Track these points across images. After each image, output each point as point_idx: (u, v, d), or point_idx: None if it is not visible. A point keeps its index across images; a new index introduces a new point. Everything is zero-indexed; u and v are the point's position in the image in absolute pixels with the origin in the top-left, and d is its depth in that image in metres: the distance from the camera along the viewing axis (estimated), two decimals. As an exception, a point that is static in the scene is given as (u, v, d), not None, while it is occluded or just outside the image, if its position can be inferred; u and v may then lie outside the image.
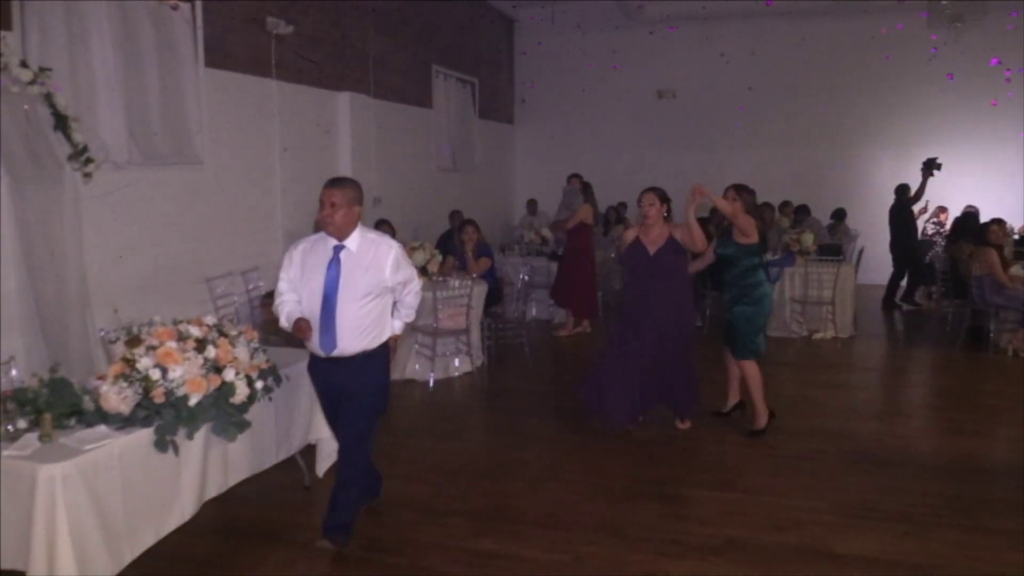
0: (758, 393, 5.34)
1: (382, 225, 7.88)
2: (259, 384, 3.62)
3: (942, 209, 11.26)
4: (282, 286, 3.74)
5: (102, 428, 3.15)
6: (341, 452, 3.78)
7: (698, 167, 12.07)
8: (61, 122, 4.79)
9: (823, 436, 5.34)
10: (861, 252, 9.92)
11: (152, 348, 3.31)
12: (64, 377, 3.32)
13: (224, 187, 6.98)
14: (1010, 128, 11.75)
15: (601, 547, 3.80)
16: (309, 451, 4.39)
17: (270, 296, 3.94)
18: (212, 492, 3.57)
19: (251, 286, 7.03)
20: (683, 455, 5.05)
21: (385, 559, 3.71)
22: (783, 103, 12.69)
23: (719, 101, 12.92)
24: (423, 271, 6.86)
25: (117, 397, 3.17)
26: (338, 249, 3.60)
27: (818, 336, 8.47)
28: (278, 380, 3.83)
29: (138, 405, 3.21)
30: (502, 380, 7.01)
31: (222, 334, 3.57)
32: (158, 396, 3.23)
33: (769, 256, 6.60)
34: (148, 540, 3.23)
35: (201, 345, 3.44)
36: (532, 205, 12.60)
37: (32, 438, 3.02)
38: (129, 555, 3.14)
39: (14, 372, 3.36)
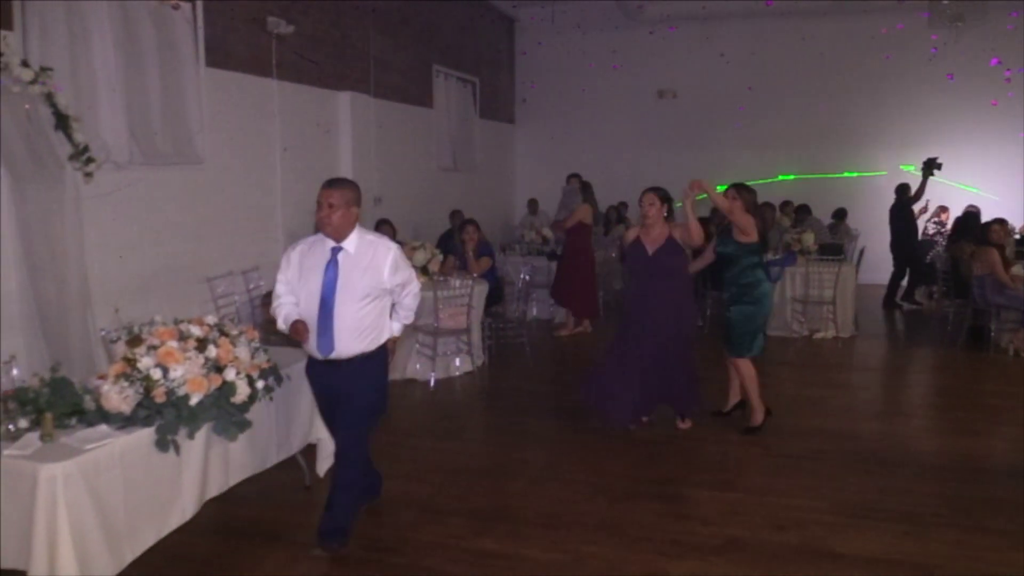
0: (753, 390, 5.36)
1: (383, 225, 7.88)
2: (260, 384, 3.61)
3: (943, 209, 11.27)
4: (280, 288, 3.72)
5: (103, 428, 3.14)
6: (339, 454, 3.76)
7: (698, 167, 12.05)
8: (62, 122, 4.79)
9: (824, 436, 5.34)
10: (862, 252, 9.91)
11: (153, 348, 3.31)
12: (65, 377, 3.32)
13: (225, 187, 6.99)
14: (1010, 128, 11.75)
15: (601, 547, 3.80)
16: (310, 451, 4.39)
17: (270, 296, 3.93)
18: (213, 492, 3.57)
19: (252, 286, 7.03)
20: (684, 455, 5.05)
21: (385, 559, 3.70)
22: (783, 103, 12.68)
23: (719, 101, 12.91)
24: (424, 271, 6.86)
25: (118, 396, 3.17)
26: (336, 250, 3.57)
27: (819, 336, 8.47)
28: (279, 380, 3.83)
29: (139, 404, 3.21)
30: (503, 380, 7.01)
31: (223, 334, 3.57)
32: (159, 396, 3.23)
33: (770, 256, 6.61)
34: (149, 539, 3.23)
35: (202, 345, 3.43)
36: (533, 205, 12.59)
37: (33, 437, 3.02)
38: (130, 554, 3.13)
39: (15, 371, 3.35)
